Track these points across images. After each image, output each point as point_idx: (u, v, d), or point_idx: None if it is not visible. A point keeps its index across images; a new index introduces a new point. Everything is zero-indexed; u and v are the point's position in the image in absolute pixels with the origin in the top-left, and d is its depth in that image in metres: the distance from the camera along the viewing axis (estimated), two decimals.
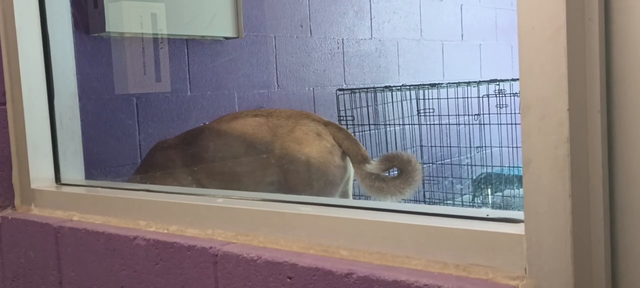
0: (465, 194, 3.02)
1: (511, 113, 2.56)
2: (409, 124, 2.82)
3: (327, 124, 1.86)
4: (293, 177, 1.79)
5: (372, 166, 1.77)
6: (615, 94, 0.68)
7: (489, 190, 2.93)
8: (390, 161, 1.81)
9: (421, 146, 2.88)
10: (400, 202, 1.77)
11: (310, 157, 1.78)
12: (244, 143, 1.83)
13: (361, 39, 2.90)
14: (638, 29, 0.67)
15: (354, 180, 1.87)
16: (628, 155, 0.68)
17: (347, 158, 1.82)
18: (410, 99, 2.78)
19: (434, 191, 2.91)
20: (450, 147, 2.93)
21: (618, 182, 0.69)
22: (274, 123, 1.83)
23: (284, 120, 1.84)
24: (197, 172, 1.83)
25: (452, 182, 3.02)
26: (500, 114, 2.63)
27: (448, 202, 2.92)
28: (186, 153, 1.85)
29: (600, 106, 0.68)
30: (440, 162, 3.00)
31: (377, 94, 2.78)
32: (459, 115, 2.78)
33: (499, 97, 2.60)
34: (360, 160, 1.79)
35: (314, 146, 1.79)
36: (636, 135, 0.68)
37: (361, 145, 1.84)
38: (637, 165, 0.68)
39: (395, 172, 1.82)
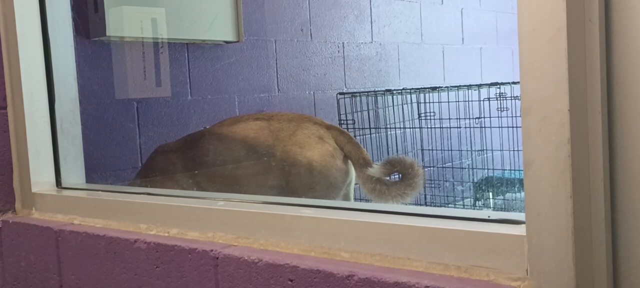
0: (466, 197, 3.02)
1: (512, 116, 2.56)
2: (410, 128, 2.81)
3: (329, 127, 1.85)
4: (295, 181, 1.79)
5: (374, 170, 1.77)
6: (616, 94, 0.68)
7: (490, 193, 2.93)
8: (393, 165, 1.80)
9: (422, 149, 2.88)
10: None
11: (312, 161, 1.77)
12: (245, 147, 1.83)
13: (362, 43, 2.90)
14: (638, 30, 0.67)
15: (356, 184, 1.87)
16: (629, 155, 0.68)
17: (349, 161, 1.82)
18: (411, 103, 2.78)
19: (435, 194, 2.91)
20: (451, 150, 2.93)
21: (619, 183, 0.69)
22: (275, 127, 1.83)
23: (285, 123, 1.84)
24: (199, 175, 1.82)
25: (453, 185, 3.01)
26: (501, 117, 2.63)
27: (449, 205, 2.91)
28: (187, 157, 1.85)
29: (601, 107, 0.67)
30: (441, 165, 3.00)
31: (378, 97, 2.78)
32: (459, 118, 2.77)
33: (500, 100, 2.59)
34: (362, 164, 1.79)
35: (316, 150, 1.79)
36: (637, 135, 0.67)
37: (363, 148, 1.83)
38: (639, 166, 0.68)
39: (397, 176, 1.82)
